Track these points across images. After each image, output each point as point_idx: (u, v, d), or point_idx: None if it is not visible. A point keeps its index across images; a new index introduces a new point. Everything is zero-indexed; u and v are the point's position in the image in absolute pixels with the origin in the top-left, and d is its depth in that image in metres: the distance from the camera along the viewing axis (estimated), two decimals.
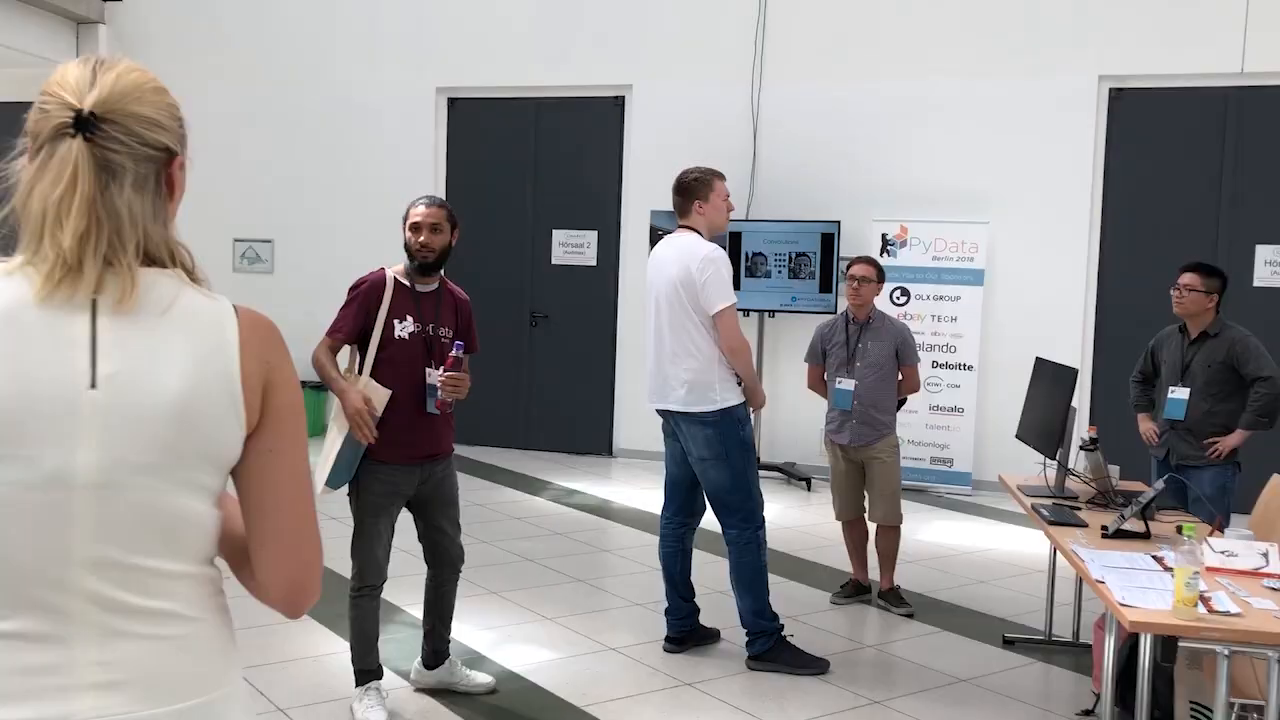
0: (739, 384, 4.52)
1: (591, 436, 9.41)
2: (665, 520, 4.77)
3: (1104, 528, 3.79)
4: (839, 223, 8.47)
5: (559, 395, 9.50)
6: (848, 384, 5.37)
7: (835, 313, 8.40)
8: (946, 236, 8.37)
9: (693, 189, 4.61)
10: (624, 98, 9.29)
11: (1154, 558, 3.45)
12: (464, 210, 9.66)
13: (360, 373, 3.75)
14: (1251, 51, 7.82)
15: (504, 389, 9.54)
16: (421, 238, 3.83)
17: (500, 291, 9.59)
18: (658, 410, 4.64)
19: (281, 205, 10.05)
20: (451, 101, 9.74)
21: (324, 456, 3.73)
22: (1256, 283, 7.97)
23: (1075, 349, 8.25)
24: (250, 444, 1.39)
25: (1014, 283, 8.36)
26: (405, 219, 3.89)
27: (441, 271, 3.95)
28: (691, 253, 4.46)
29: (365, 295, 3.80)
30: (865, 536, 5.54)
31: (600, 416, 9.39)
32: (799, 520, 7.22)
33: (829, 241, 8.47)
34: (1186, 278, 5.14)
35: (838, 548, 6.14)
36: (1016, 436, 4.99)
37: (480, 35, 9.49)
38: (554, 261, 9.50)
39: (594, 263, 9.40)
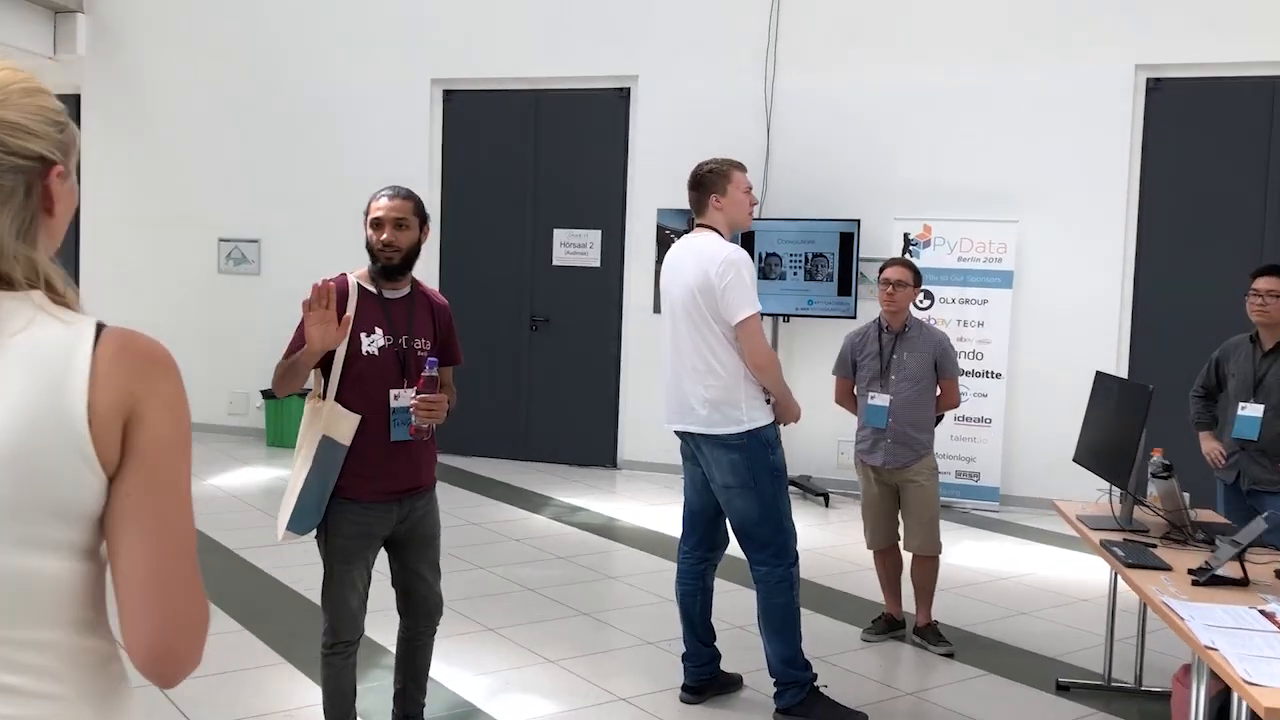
0: (768, 401, 4.02)
1: (594, 448, 8.91)
2: (684, 554, 4.26)
3: (1193, 572, 3.28)
4: (858, 221, 7.96)
5: (560, 403, 9.00)
6: (881, 399, 4.86)
7: (854, 317, 7.93)
8: (973, 236, 7.87)
9: (708, 182, 4.11)
10: (629, 89, 8.78)
11: (1262, 613, 2.94)
12: (460, 209, 9.28)
13: (325, 396, 3.24)
14: None
15: (502, 396, 9.05)
16: (384, 235, 3.28)
17: (498, 294, 9.09)
18: (676, 432, 4.14)
19: (268, 203, 9.55)
20: (447, 94, 9.23)
21: (287, 496, 3.22)
22: None
23: (1110, 356, 7.75)
24: (112, 486, 1.22)
25: (1045, 285, 7.85)
26: (366, 214, 3.37)
27: (411, 273, 3.41)
28: (710, 255, 3.96)
29: None
30: (899, 567, 5.03)
31: (604, 426, 8.89)
32: (820, 541, 6.71)
33: (848, 241, 7.97)
34: (1266, 282, 4.64)
35: (864, 573, 5.66)
36: (1075, 460, 4.47)
37: (477, 23, 8.99)
38: (555, 262, 9.00)
39: (597, 264, 8.89)
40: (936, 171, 8.02)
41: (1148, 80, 7.73)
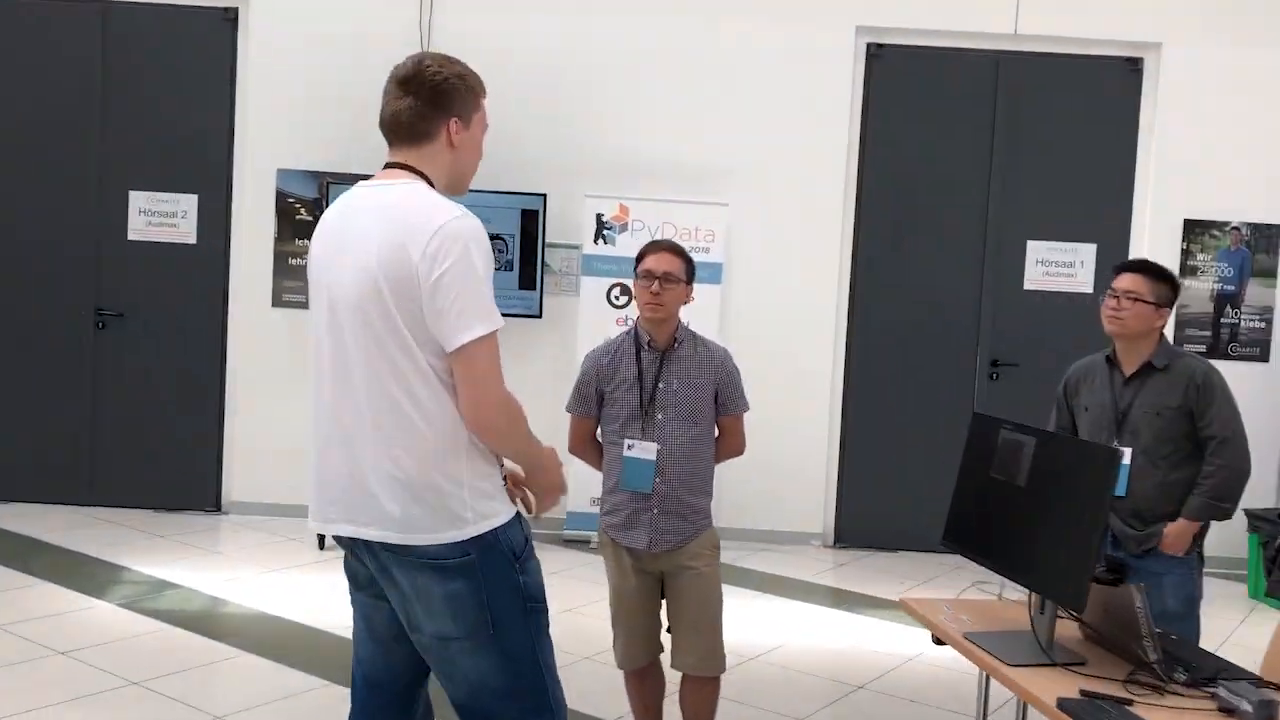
0: (504, 477, 2.31)
1: (190, 486, 6.70)
2: None
3: None
4: (544, 197, 6.38)
5: (140, 427, 6.69)
6: (646, 450, 3.27)
7: (539, 315, 6.38)
8: (676, 220, 6.50)
9: (448, 95, 2.35)
10: (237, 10, 6.65)
11: None
12: None
13: None
14: (1026, 9, 6.57)
15: (54, 418, 6.63)
16: None
17: (49, 277, 6.66)
18: (336, 539, 2.33)
19: None
20: None
21: None
22: (1028, 285, 6.74)
23: (826, 361, 6.71)
24: None
25: (757, 279, 6.66)
26: None
27: None
28: (416, 222, 2.20)
29: None
30: (662, 692, 3.48)
31: (203, 457, 6.70)
32: None
33: (532, 220, 6.35)
34: (1127, 280, 3.50)
35: (587, 664, 4.11)
36: (944, 543, 3.08)
37: None
38: (132, 236, 6.66)
39: (192, 239, 6.67)
40: (635, 142, 6.60)
41: (869, 46, 6.71)
